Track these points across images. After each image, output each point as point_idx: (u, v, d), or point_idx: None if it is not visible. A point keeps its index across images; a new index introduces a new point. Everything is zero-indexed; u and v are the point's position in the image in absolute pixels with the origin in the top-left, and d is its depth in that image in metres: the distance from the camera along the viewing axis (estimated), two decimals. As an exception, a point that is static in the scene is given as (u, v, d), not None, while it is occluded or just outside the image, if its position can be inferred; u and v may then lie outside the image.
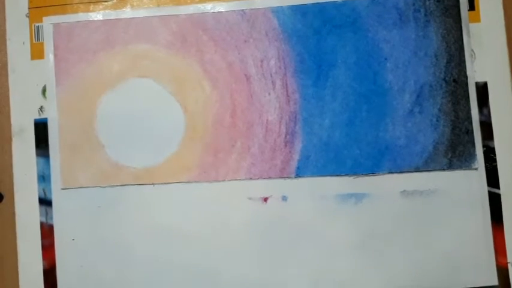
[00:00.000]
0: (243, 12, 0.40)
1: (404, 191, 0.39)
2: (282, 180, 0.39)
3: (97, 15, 0.40)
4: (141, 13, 0.40)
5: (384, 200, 0.38)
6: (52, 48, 0.40)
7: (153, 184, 0.39)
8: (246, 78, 0.40)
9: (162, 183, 0.39)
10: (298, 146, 0.39)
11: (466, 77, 0.39)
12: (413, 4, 0.39)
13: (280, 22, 0.39)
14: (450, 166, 0.38)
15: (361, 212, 0.39)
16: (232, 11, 0.40)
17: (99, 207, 0.39)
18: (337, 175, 0.39)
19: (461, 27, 0.39)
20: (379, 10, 0.39)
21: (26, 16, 0.41)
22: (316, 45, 0.39)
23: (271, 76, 0.39)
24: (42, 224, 0.40)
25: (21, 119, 0.40)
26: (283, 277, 0.38)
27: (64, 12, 0.41)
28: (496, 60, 0.39)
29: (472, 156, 0.38)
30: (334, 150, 0.39)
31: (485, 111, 0.39)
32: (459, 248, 0.38)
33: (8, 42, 0.41)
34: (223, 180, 0.39)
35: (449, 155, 0.38)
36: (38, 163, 0.40)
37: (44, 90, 0.40)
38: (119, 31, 0.40)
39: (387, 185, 0.38)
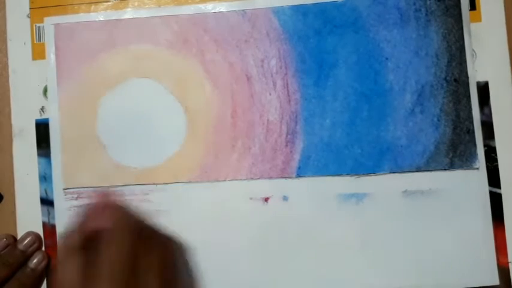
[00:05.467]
0: (243, 12, 0.40)
1: (405, 190, 0.39)
2: (283, 180, 0.39)
3: (98, 15, 0.40)
4: (142, 13, 0.40)
5: (385, 200, 0.38)
6: (53, 48, 0.40)
7: (155, 184, 0.39)
8: (247, 78, 0.40)
9: (163, 184, 0.39)
10: (299, 145, 0.39)
11: (467, 77, 0.39)
12: (414, 4, 0.39)
13: (281, 22, 0.39)
14: (451, 166, 0.38)
15: (362, 212, 0.39)
16: (233, 11, 0.40)
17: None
18: (338, 175, 0.39)
19: (462, 26, 0.39)
20: (380, 10, 0.39)
21: (27, 16, 0.41)
22: (317, 45, 0.39)
23: (272, 76, 0.39)
24: (44, 224, 0.40)
25: (22, 120, 0.40)
26: (284, 277, 0.38)
27: (65, 13, 0.41)
28: (497, 60, 0.39)
29: (473, 155, 0.38)
30: (335, 150, 0.39)
31: (486, 110, 0.39)
32: (460, 248, 0.38)
33: (9, 43, 0.41)
34: (224, 180, 0.39)
35: (451, 155, 0.38)
36: (39, 163, 0.40)
37: (45, 91, 0.40)
38: (120, 31, 0.40)
39: (388, 185, 0.38)
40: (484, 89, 0.39)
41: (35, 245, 0.38)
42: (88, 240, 0.31)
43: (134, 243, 0.31)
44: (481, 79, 0.39)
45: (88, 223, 0.32)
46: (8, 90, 0.41)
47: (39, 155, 0.40)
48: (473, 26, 0.39)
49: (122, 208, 0.34)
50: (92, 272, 0.29)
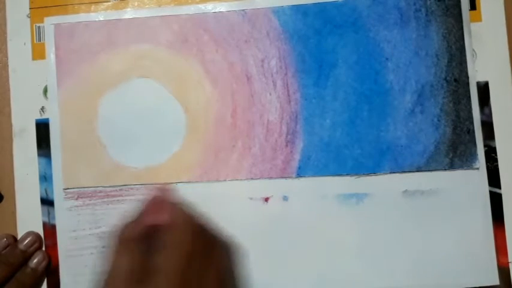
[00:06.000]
0: (244, 12, 0.40)
1: (405, 190, 0.38)
2: (283, 180, 0.39)
3: (98, 15, 0.40)
4: (142, 13, 0.40)
5: (385, 200, 0.38)
6: (53, 48, 0.40)
7: (155, 184, 0.39)
8: (247, 78, 0.40)
9: (163, 183, 0.39)
10: (299, 145, 0.39)
11: (467, 77, 0.39)
12: (414, 4, 0.39)
13: (281, 22, 0.39)
14: (451, 166, 0.38)
15: (362, 212, 0.39)
16: (233, 11, 0.40)
17: (102, 207, 0.39)
18: (338, 175, 0.39)
19: (462, 26, 0.39)
20: (380, 10, 0.39)
21: (27, 16, 0.41)
22: (317, 45, 0.39)
23: (272, 76, 0.39)
24: (44, 224, 0.40)
25: (22, 119, 0.40)
26: (284, 277, 0.38)
27: (65, 13, 0.41)
28: (497, 60, 0.39)
29: (473, 156, 0.38)
30: (335, 150, 0.39)
31: (486, 110, 0.39)
32: (460, 248, 0.38)
33: (9, 43, 0.41)
34: (224, 180, 0.39)
35: (451, 155, 0.38)
36: (39, 163, 0.40)
37: (45, 91, 0.40)
38: (120, 31, 0.40)
39: (388, 185, 0.38)
40: (484, 89, 0.39)
41: (36, 245, 0.38)
42: (146, 234, 0.30)
43: (193, 243, 0.30)
44: (481, 79, 0.39)
45: (147, 217, 0.31)
46: (8, 90, 0.41)
47: (39, 155, 0.40)
48: (474, 26, 0.39)
49: (180, 205, 0.33)
50: (149, 267, 0.28)
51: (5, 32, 0.41)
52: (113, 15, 0.40)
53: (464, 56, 0.39)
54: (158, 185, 0.37)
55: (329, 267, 0.38)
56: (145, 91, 0.40)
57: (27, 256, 0.38)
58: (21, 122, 0.40)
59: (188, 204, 0.33)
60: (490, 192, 0.38)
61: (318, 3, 0.39)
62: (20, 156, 0.40)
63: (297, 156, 0.39)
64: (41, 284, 0.39)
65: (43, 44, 0.41)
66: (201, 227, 0.32)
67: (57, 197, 0.40)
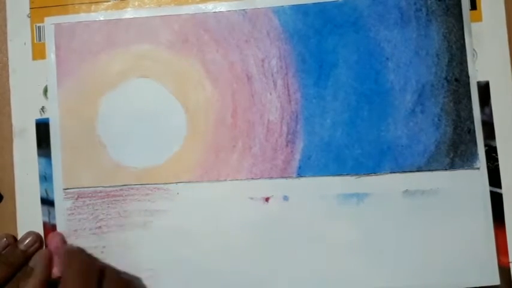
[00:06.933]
0: (244, 12, 0.40)
1: (406, 190, 0.38)
2: (283, 180, 0.39)
3: (98, 15, 0.40)
4: (143, 13, 0.40)
5: (385, 200, 0.38)
6: (53, 48, 0.40)
7: (155, 184, 0.39)
8: (248, 78, 0.40)
9: (163, 183, 0.39)
10: (300, 145, 0.39)
11: (468, 77, 0.39)
12: (415, 3, 0.39)
13: (281, 22, 0.39)
14: (452, 166, 0.38)
15: (362, 212, 0.38)
16: (233, 10, 0.40)
17: (102, 207, 0.39)
18: (339, 175, 0.39)
19: (462, 26, 0.39)
20: (381, 10, 0.39)
21: (28, 16, 0.41)
22: (318, 44, 0.39)
23: (272, 76, 0.39)
24: (45, 224, 0.40)
25: (22, 119, 0.40)
26: (284, 277, 0.38)
27: (65, 13, 0.41)
28: (497, 60, 0.39)
29: (474, 155, 0.38)
30: (335, 150, 0.39)
31: (487, 110, 0.39)
32: (461, 248, 0.38)
33: (9, 43, 0.41)
34: (225, 180, 0.39)
35: (451, 155, 0.38)
36: (39, 163, 0.40)
37: (45, 91, 0.40)
38: (120, 31, 0.40)
39: (389, 185, 0.38)
40: (484, 89, 0.39)
41: (36, 245, 0.38)
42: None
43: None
44: (482, 79, 0.39)
45: (48, 270, 0.36)
46: (8, 90, 0.41)
47: (39, 155, 0.40)
48: (474, 26, 0.39)
49: (78, 254, 0.37)
50: None
51: (5, 32, 0.41)
52: (113, 15, 0.40)
53: (465, 55, 0.39)
54: (55, 234, 0.39)
55: (329, 267, 0.38)
56: (145, 91, 0.40)
57: (27, 256, 0.38)
58: (21, 122, 0.40)
59: (86, 253, 0.38)
60: (491, 192, 0.38)
61: (318, 2, 0.39)
62: (20, 156, 0.40)
63: (298, 156, 0.39)
64: None
65: (43, 44, 0.41)
66: (99, 273, 0.35)
67: (58, 197, 0.40)
